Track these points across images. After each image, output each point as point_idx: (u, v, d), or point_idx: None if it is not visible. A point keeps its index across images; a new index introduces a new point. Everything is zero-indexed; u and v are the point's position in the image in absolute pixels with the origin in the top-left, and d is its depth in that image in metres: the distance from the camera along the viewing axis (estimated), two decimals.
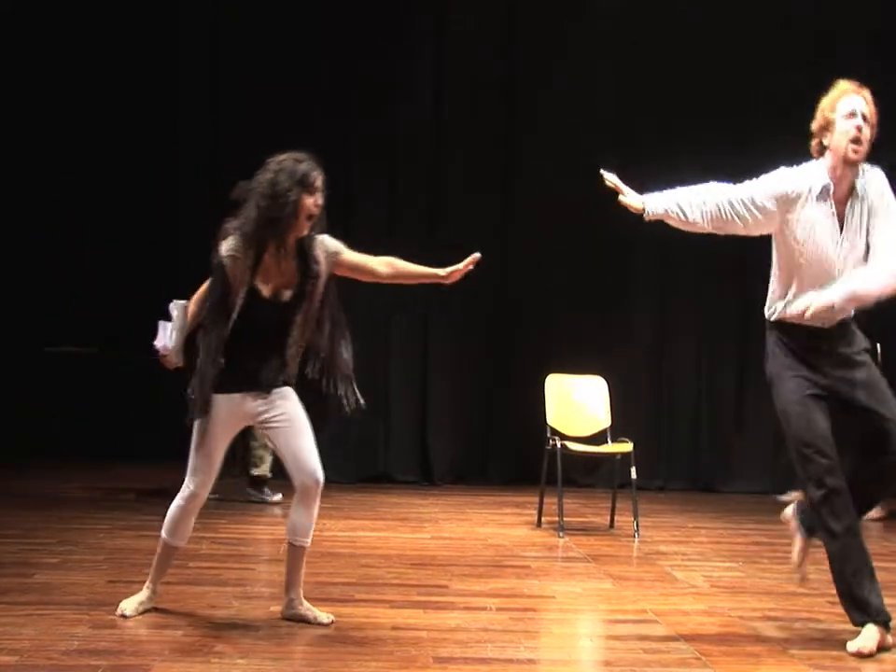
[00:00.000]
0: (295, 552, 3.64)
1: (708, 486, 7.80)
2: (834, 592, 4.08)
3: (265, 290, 3.47)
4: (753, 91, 7.71)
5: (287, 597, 3.67)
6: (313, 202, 3.42)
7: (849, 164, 3.52)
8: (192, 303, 3.60)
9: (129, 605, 3.65)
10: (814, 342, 3.59)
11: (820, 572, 3.90)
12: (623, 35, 7.84)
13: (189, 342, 3.67)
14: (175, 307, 3.56)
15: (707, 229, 3.67)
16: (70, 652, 3.18)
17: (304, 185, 3.39)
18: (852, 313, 3.67)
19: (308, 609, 3.65)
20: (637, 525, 5.72)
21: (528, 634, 3.63)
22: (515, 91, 7.93)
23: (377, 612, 3.82)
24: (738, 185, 3.65)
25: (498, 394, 7.80)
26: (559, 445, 5.75)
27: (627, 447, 5.84)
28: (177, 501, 3.65)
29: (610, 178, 3.68)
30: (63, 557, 4.56)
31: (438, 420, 7.79)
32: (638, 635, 3.63)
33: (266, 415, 3.55)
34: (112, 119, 8.13)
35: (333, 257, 3.56)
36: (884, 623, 3.52)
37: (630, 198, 3.63)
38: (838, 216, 3.55)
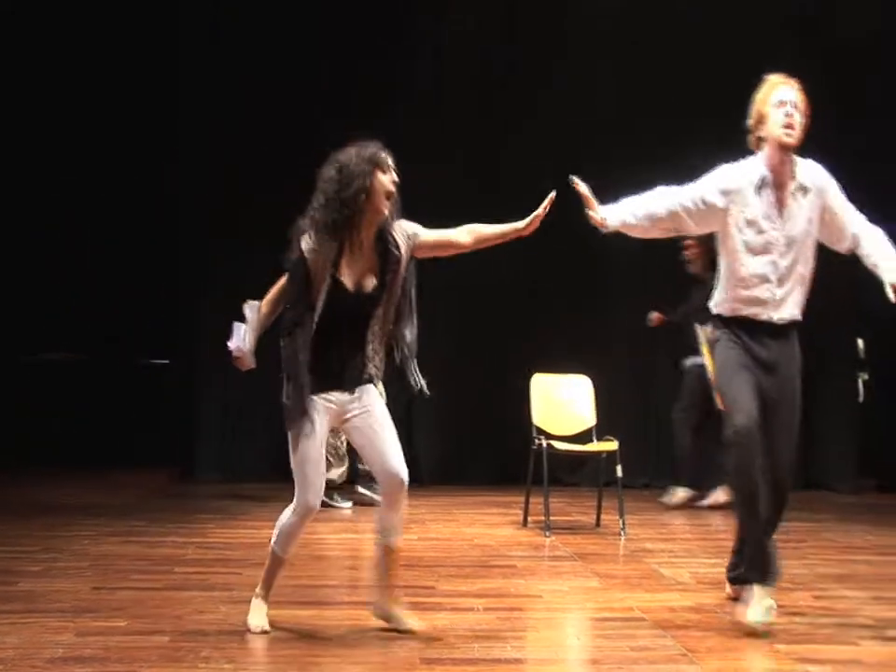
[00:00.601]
0: (386, 553, 3.54)
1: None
2: (819, 587, 4.13)
3: (348, 282, 3.39)
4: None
5: (378, 598, 3.60)
6: (389, 178, 3.36)
7: (785, 149, 3.68)
8: (265, 304, 3.53)
9: (259, 621, 3.56)
10: (757, 337, 3.73)
11: (803, 567, 3.94)
12: (624, 35, 7.84)
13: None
14: (250, 308, 3.51)
15: (656, 233, 3.82)
16: (55, 660, 3.16)
17: (375, 162, 3.33)
18: (800, 317, 3.80)
19: (397, 611, 3.57)
20: (624, 523, 5.74)
21: (515, 633, 3.63)
22: (515, 90, 7.91)
23: (364, 614, 3.80)
24: (685, 187, 3.78)
25: (484, 394, 7.80)
26: (545, 445, 5.76)
27: (613, 445, 5.85)
28: (292, 518, 3.51)
29: (582, 188, 3.73)
30: (47, 565, 4.53)
31: (424, 420, 7.78)
32: (626, 632, 3.64)
33: (349, 414, 3.47)
34: (111, 118, 8.11)
35: (413, 239, 3.47)
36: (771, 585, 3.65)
37: (597, 211, 3.74)
38: (778, 204, 3.70)
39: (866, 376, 8.42)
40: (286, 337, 3.40)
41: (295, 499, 3.49)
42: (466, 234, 3.55)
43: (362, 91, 7.65)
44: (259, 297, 8.50)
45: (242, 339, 3.50)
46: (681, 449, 6.87)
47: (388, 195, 3.37)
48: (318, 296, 3.36)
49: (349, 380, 3.46)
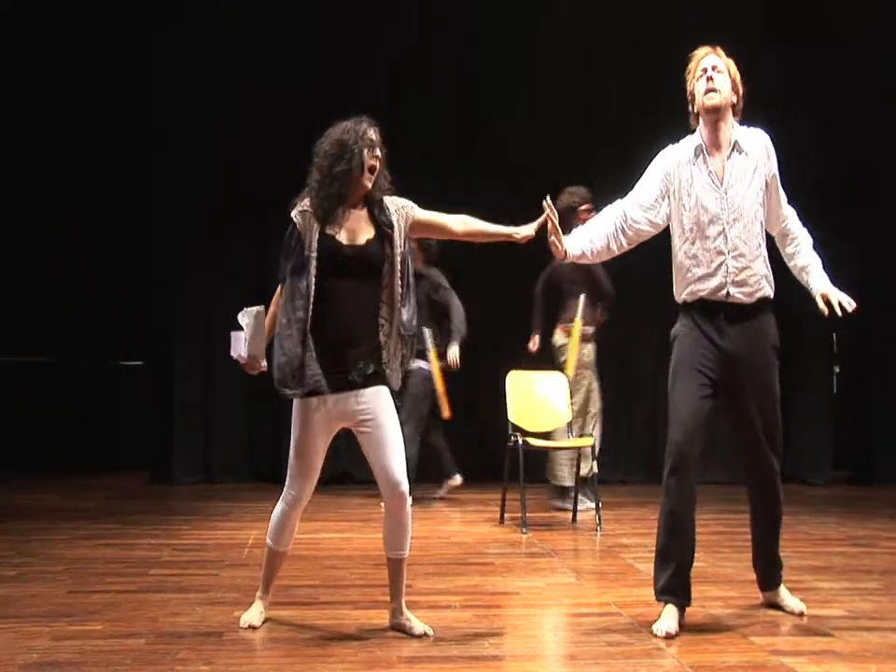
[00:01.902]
0: (390, 564, 3.58)
1: None
2: (793, 579, 4.16)
3: (342, 238, 3.43)
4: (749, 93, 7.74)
5: (390, 607, 3.63)
6: (370, 154, 3.43)
7: (712, 113, 3.64)
8: (272, 304, 3.52)
9: (252, 616, 3.61)
10: (718, 324, 3.64)
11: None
12: (622, 36, 7.85)
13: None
14: (245, 315, 3.47)
15: (618, 251, 3.77)
16: (29, 666, 3.14)
17: (363, 139, 3.42)
18: (771, 293, 3.72)
19: (406, 619, 3.57)
20: (600, 519, 5.77)
21: (492, 630, 3.63)
22: (495, 98, 7.92)
23: (341, 614, 3.82)
24: (631, 194, 3.76)
25: (458, 391, 7.79)
26: (520, 441, 5.77)
27: (589, 441, 5.87)
28: (280, 507, 3.59)
29: (551, 216, 3.61)
30: (21, 569, 4.49)
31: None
32: (602, 627, 3.66)
33: (358, 418, 3.46)
34: (84, 118, 8.04)
35: (406, 210, 3.53)
36: (680, 606, 3.63)
37: (561, 241, 3.66)
38: (716, 171, 3.67)
39: (839, 369, 8.51)
40: (282, 304, 3.41)
41: (285, 491, 3.56)
42: (458, 223, 3.62)
43: (361, 90, 7.61)
44: (233, 296, 8.43)
45: (241, 347, 3.47)
46: (437, 450, 6.84)
47: (371, 169, 3.44)
48: (311, 255, 3.38)
49: (359, 372, 3.42)
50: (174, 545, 5.15)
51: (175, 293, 7.72)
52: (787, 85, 7.89)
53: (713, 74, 3.65)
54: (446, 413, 6.56)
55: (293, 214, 3.46)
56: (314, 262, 3.38)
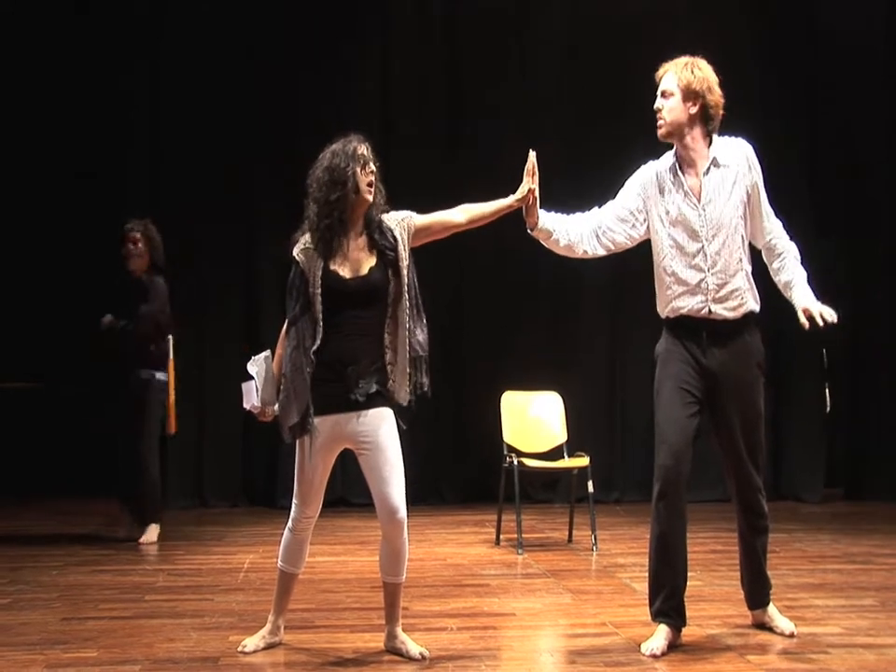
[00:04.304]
0: (386, 588, 3.58)
1: None
2: (789, 597, 4.17)
3: (345, 271, 3.42)
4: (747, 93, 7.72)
5: (385, 630, 3.62)
6: (364, 172, 3.40)
7: (664, 139, 3.65)
8: (279, 346, 3.51)
9: (250, 640, 3.62)
10: (702, 343, 3.62)
11: (773, 577, 3.96)
12: (619, 36, 7.86)
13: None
14: (254, 363, 3.45)
15: (590, 252, 3.75)
16: None
17: (355, 159, 3.39)
18: (756, 307, 3.70)
19: (402, 642, 3.55)
20: (595, 539, 5.76)
21: (489, 652, 3.62)
22: (469, 105, 7.95)
23: (338, 637, 3.80)
24: (608, 205, 3.77)
25: (453, 412, 7.81)
26: (516, 462, 5.76)
27: (584, 461, 5.87)
28: (287, 527, 3.60)
29: (534, 173, 3.58)
30: (14, 597, 4.46)
31: None
32: (599, 648, 3.65)
33: (359, 439, 3.44)
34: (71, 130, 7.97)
35: (406, 221, 3.50)
36: (675, 627, 3.62)
37: (533, 201, 3.60)
38: (693, 187, 3.64)
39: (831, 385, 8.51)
40: (287, 343, 3.42)
41: (292, 511, 3.57)
42: (459, 213, 3.60)
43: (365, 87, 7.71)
44: (223, 318, 8.35)
45: (255, 397, 3.46)
46: (153, 485, 5.93)
47: (369, 184, 3.42)
48: (316, 292, 3.38)
49: (361, 391, 3.41)
50: (168, 570, 5.13)
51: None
52: (785, 83, 7.88)
53: (660, 101, 3.63)
54: (173, 427, 5.95)
55: (295, 253, 3.44)
56: (319, 299, 3.39)
